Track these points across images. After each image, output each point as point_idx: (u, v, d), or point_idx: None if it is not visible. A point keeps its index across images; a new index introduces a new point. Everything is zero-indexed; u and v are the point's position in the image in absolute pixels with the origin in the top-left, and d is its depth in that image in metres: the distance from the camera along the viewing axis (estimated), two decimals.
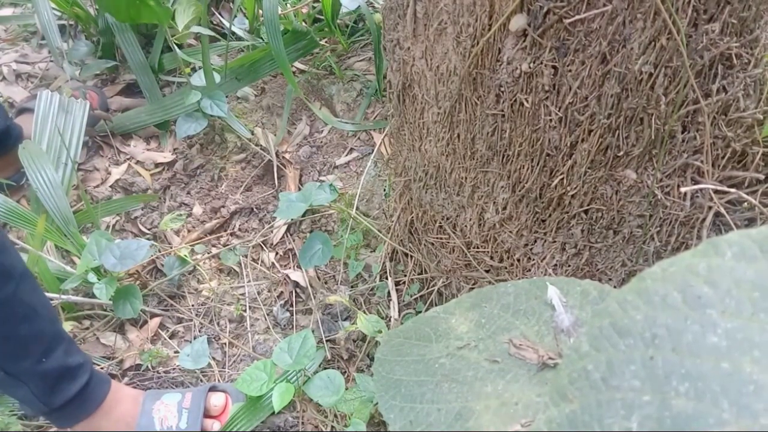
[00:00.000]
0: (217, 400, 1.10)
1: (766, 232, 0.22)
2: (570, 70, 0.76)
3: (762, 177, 0.82)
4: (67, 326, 1.24)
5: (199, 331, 1.28)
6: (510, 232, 1.00)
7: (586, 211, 0.91)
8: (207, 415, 1.09)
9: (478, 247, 1.08)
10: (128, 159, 1.58)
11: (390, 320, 1.24)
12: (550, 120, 0.82)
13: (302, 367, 1.00)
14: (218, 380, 1.22)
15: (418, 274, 1.26)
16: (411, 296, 1.26)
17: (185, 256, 1.35)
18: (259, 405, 1.07)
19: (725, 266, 0.22)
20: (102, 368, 1.21)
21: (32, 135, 1.39)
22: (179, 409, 1.07)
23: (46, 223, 1.28)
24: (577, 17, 0.71)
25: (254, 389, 1.01)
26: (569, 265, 0.99)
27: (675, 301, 0.21)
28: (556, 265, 1.00)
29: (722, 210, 0.81)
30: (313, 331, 1.25)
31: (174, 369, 1.23)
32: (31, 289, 0.90)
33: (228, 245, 1.42)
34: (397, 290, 1.28)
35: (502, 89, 0.83)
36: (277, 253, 1.41)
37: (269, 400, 1.05)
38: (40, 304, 0.92)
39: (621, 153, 0.82)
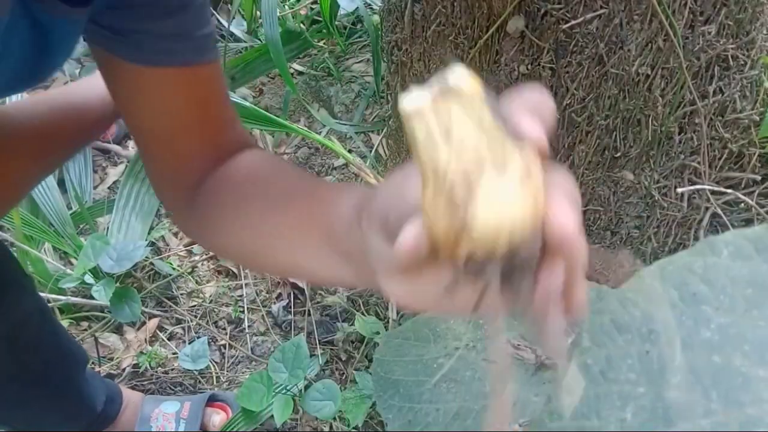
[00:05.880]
0: (217, 418, 1.10)
1: (761, 232, 0.22)
2: (567, 72, 0.77)
3: (758, 178, 0.82)
4: (64, 325, 1.24)
5: (196, 333, 1.28)
6: None
7: (584, 212, 0.92)
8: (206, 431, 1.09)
9: None
10: (126, 160, 1.58)
11: (388, 321, 1.24)
12: None
13: (298, 381, 1.01)
14: (216, 380, 1.22)
15: None
16: None
17: (182, 257, 1.35)
18: (256, 412, 1.07)
19: (721, 265, 0.22)
20: (101, 369, 1.21)
21: None
22: (177, 418, 1.07)
23: (42, 224, 1.28)
24: (575, 22, 0.71)
25: (254, 403, 1.01)
26: None
27: (671, 298, 0.22)
28: None
29: (719, 211, 0.82)
30: (310, 334, 1.25)
31: (173, 370, 1.23)
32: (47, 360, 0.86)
33: None
34: None
35: (500, 91, 0.83)
36: None
37: (268, 408, 1.05)
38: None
39: (618, 154, 0.82)
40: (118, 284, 1.19)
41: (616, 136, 0.81)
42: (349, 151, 1.55)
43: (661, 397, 0.19)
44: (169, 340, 1.28)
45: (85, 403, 0.94)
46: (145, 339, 1.26)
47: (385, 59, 1.01)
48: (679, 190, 0.82)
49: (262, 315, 1.32)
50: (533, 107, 0.25)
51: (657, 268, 0.24)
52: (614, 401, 0.20)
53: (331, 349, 1.24)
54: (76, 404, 0.93)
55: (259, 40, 1.75)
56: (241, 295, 1.34)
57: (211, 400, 1.12)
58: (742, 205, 0.83)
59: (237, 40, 1.74)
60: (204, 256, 1.40)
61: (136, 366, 1.22)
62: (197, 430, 1.07)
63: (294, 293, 1.34)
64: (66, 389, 0.89)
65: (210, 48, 0.49)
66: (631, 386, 0.20)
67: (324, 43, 1.81)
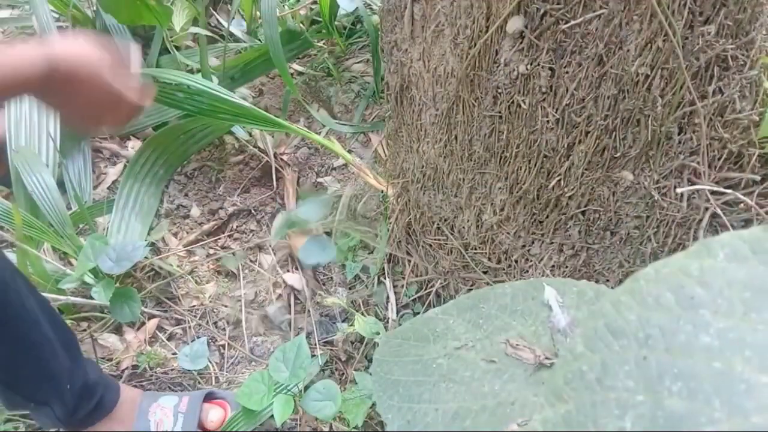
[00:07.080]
0: (215, 414, 1.10)
1: (758, 233, 0.22)
2: (567, 72, 0.76)
3: (758, 178, 0.82)
4: None
5: (195, 333, 1.28)
6: (507, 233, 1.01)
7: (583, 212, 0.92)
8: (203, 428, 1.09)
9: (475, 249, 1.09)
10: (125, 160, 1.58)
11: (388, 322, 1.24)
12: (547, 121, 0.82)
13: (299, 380, 1.00)
14: (216, 380, 1.22)
15: (416, 276, 1.26)
16: (409, 298, 1.26)
17: (181, 257, 1.35)
18: (257, 412, 1.07)
19: (717, 267, 0.22)
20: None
21: (7, 132, 1.39)
22: (175, 412, 1.07)
23: (42, 224, 1.28)
24: (574, 22, 0.71)
25: (254, 403, 1.01)
26: (567, 266, 1.00)
27: (668, 301, 0.22)
28: (553, 266, 1.00)
29: (718, 211, 0.82)
30: (309, 335, 1.25)
31: (172, 370, 1.23)
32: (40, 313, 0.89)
33: (226, 247, 1.42)
34: (395, 292, 1.28)
35: (500, 91, 0.83)
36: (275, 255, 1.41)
37: (268, 408, 1.05)
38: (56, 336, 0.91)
39: (618, 154, 0.82)
40: (117, 284, 1.19)
41: (615, 136, 0.81)
42: (349, 151, 1.54)
43: (661, 405, 0.19)
44: (168, 340, 1.28)
45: (62, 361, 0.92)
46: (145, 339, 1.26)
47: (384, 59, 1.01)
48: (679, 190, 0.82)
49: (262, 315, 1.31)
50: None
51: (652, 270, 0.24)
52: (612, 409, 0.20)
53: (331, 349, 1.24)
54: (49, 358, 0.91)
55: (259, 40, 1.75)
56: (240, 296, 1.34)
57: (209, 397, 1.13)
58: (742, 205, 0.83)
59: (236, 40, 1.74)
60: (204, 257, 1.40)
61: (135, 366, 1.22)
62: (195, 430, 1.07)
63: (293, 293, 1.34)
64: (33, 336, 0.87)
65: None
66: (629, 394, 0.20)
67: (323, 44, 1.81)
